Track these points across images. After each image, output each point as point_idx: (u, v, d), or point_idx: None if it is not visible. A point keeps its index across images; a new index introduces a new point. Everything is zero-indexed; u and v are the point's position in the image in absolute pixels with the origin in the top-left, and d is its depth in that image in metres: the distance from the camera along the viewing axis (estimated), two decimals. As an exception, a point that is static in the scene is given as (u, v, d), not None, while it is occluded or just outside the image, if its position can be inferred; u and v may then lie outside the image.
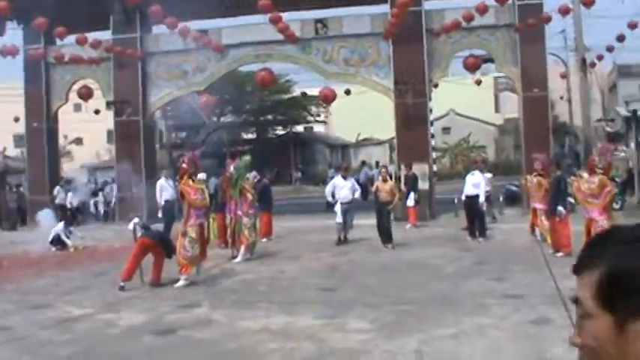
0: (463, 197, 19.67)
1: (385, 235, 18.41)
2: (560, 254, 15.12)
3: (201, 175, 17.10)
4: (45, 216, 23.25)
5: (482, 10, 22.29)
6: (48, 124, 31.32)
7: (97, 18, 29.40)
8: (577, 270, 1.41)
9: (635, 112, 27.89)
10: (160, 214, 21.86)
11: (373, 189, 19.66)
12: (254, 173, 19.79)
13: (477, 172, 19.68)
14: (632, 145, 29.01)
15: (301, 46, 27.96)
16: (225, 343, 9.08)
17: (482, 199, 18.88)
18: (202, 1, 26.36)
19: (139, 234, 14.07)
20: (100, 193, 32.50)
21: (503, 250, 16.84)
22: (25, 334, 10.03)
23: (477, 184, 19.07)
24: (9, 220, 30.55)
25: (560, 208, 15.66)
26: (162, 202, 21.71)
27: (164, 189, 21.71)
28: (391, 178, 22.77)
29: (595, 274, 1.35)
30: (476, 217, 19.12)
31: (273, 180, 22.51)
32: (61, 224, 21.36)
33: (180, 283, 13.42)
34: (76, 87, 31.25)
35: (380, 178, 19.89)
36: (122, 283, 13.11)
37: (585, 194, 13.57)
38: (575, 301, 1.40)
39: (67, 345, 9.37)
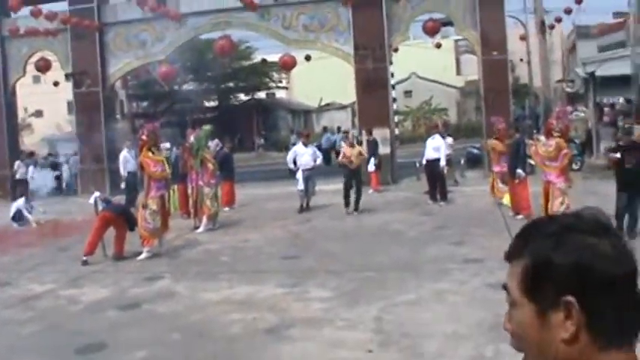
0: (424, 161, 19.76)
1: (355, 201, 18.53)
2: (520, 217, 15.29)
3: (166, 145, 17.01)
4: None
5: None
6: (6, 97, 30.88)
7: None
8: (508, 258, 1.47)
9: (592, 73, 28.10)
10: (122, 186, 21.74)
11: (340, 156, 19.55)
12: (216, 141, 19.75)
13: (437, 136, 19.75)
14: (591, 105, 29.27)
15: (260, 13, 27.73)
16: (188, 316, 9.12)
17: (442, 162, 19.00)
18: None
19: (100, 208, 14.01)
20: (66, 165, 32.13)
21: (464, 214, 17.00)
22: (-14, 312, 10.01)
23: (437, 147, 19.17)
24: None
25: (519, 170, 15.83)
26: (125, 174, 21.58)
27: (127, 160, 21.59)
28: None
29: (520, 264, 1.41)
30: (437, 181, 19.25)
31: (234, 148, 22.41)
32: (22, 199, 21.15)
33: (143, 255, 13.43)
34: (33, 59, 30.85)
35: (346, 143, 19.87)
36: (85, 258, 13.09)
37: (543, 157, 13.68)
38: (505, 288, 1.45)
39: (30, 323, 9.36)
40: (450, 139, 23.21)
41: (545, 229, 1.42)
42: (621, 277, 1.34)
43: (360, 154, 19.29)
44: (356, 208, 18.40)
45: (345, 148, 19.51)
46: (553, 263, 1.35)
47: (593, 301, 1.33)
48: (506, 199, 16.77)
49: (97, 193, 14.68)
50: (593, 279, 1.33)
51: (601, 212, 1.45)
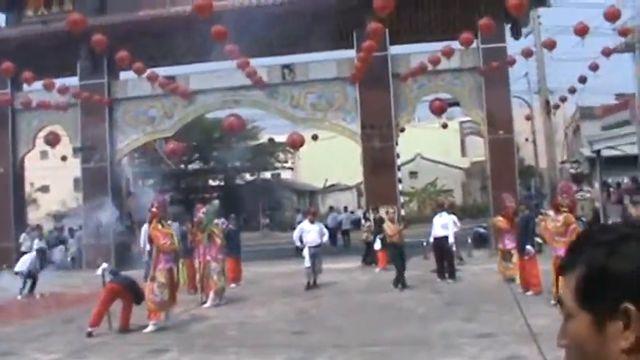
0: (431, 239, 19.71)
1: (400, 276, 18.22)
2: (529, 293, 15.22)
3: (174, 225, 16.98)
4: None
5: (448, 53, 22.56)
6: (14, 170, 31.07)
7: (64, 64, 29.41)
8: (562, 270, 1.44)
9: (598, 151, 28.25)
10: (145, 259, 21.54)
11: (388, 232, 19.39)
12: (222, 220, 19.72)
13: (444, 214, 19.78)
14: (597, 185, 29.32)
15: (268, 91, 28.11)
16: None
17: (451, 239, 18.96)
18: (169, 47, 26.50)
19: (107, 279, 13.93)
20: (70, 240, 32.11)
21: (473, 291, 16.86)
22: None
23: (445, 225, 19.17)
24: (-27, 268, 30.12)
25: (528, 247, 15.79)
26: (148, 247, 21.50)
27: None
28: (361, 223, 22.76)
29: (574, 275, 1.38)
30: (445, 258, 19.16)
31: (239, 226, 22.35)
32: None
33: (149, 328, 13.28)
34: (42, 133, 31.13)
35: (388, 220, 19.80)
36: (90, 329, 12.93)
37: (552, 232, 13.66)
38: (559, 301, 1.43)
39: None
40: (454, 218, 23.21)
41: (600, 238, 1.39)
42: None
43: (402, 229, 19.32)
44: (403, 285, 18.03)
45: (388, 225, 19.45)
46: (609, 270, 1.32)
47: None
48: (517, 277, 16.64)
49: (104, 265, 14.63)
50: None
51: None
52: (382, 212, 23.36)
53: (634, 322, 1.28)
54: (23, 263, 21.08)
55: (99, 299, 13.44)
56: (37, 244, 28.31)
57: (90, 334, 12.87)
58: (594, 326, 1.33)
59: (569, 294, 1.39)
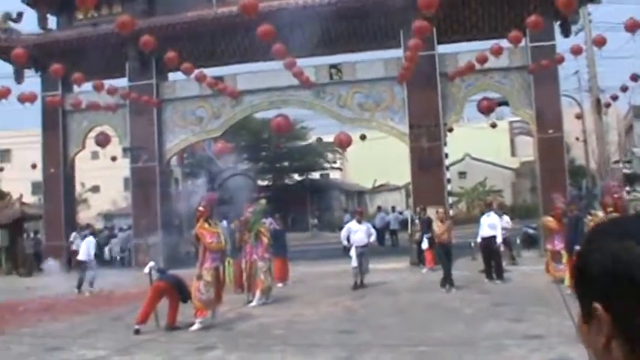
0: (479, 239, 19.51)
1: (447, 276, 18.01)
2: (578, 294, 14.94)
3: (222, 223, 17.03)
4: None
5: (496, 51, 22.34)
6: (65, 170, 31.54)
7: (113, 65, 29.74)
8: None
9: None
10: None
11: (437, 232, 19.04)
12: (269, 219, 19.74)
13: (492, 214, 19.57)
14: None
15: (316, 91, 28.12)
16: (240, 385, 8.99)
17: (499, 239, 18.75)
18: (216, 48, 26.63)
19: (154, 278, 14.03)
20: (115, 239, 32.54)
21: (521, 292, 16.67)
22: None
23: (493, 225, 18.95)
24: (25, 266, 30.63)
25: (577, 247, 15.51)
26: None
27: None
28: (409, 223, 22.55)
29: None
30: (493, 259, 18.96)
31: (285, 226, 22.34)
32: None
33: (196, 326, 13.34)
34: (92, 134, 31.55)
35: (438, 219, 19.28)
36: (137, 327, 13.05)
37: (601, 233, 13.43)
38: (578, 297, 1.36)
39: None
40: (506, 218, 23.02)
41: (589, 236, 1.32)
42: None
43: (449, 229, 18.93)
44: (451, 284, 17.82)
45: (436, 224, 19.18)
46: (586, 269, 1.26)
47: (622, 308, 1.18)
48: (567, 279, 16.38)
49: (151, 263, 14.70)
50: (619, 284, 1.21)
51: None
52: (431, 212, 23.20)
53: (602, 324, 1.21)
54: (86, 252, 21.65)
55: (146, 297, 13.55)
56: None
57: (137, 332, 12.98)
58: (584, 325, 1.27)
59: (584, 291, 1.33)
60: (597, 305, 1.21)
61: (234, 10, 23.36)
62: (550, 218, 17.75)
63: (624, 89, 27.85)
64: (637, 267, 1.18)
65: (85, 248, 21.82)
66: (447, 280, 17.89)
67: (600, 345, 1.21)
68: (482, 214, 20.52)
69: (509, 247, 22.88)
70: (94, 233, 24.26)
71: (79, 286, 21.32)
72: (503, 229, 21.92)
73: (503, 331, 11.68)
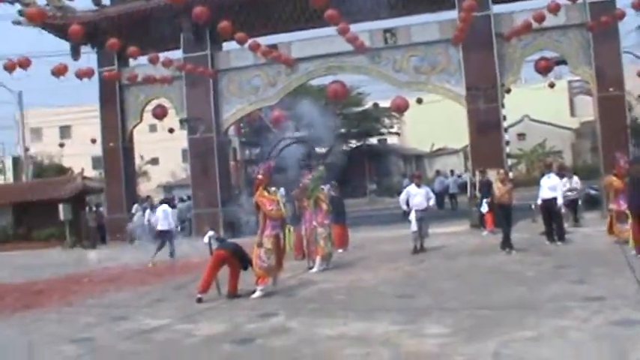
0: (539, 201, 19.30)
1: (507, 239, 17.84)
2: (643, 255, 14.74)
3: (281, 191, 17.07)
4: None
5: (554, 8, 21.98)
6: (124, 143, 32.03)
7: (168, 37, 29.95)
8: None
9: None
10: None
11: (497, 193, 18.58)
12: (328, 186, 19.78)
13: (552, 175, 19.35)
14: None
15: (371, 56, 27.99)
16: (301, 350, 9.04)
17: (560, 201, 18.53)
18: (269, 16, 26.59)
19: (214, 247, 14.17)
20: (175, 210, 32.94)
21: (583, 254, 16.47)
22: (106, 344, 10.21)
23: (553, 186, 18.73)
24: (89, 239, 31.25)
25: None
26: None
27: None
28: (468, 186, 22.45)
29: None
30: (554, 220, 18.76)
31: (341, 193, 22.23)
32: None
33: (257, 293, 13.45)
34: (149, 107, 31.89)
35: (498, 181, 18.83)
36: (199, 295, 13.22)
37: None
38: None
39: (147, 354, 9.50)
40: (576, 179, 22.86)
41: None
42: None
43: (510, 191, 18.49)
44: (510, 247, 17.65)
45: (497, 186, 18.70)
46: None
47: None
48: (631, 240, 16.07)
49: (210, 232, 14.84)
50: None
51: None
52: (492, 174, 22.95)
53: None
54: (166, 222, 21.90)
55: (207, 266, 13.71)
56: (147, 214, 29.24)
57: (199, 300, 13.15)
58: None
59: None
60: None
61: (286, -23, 23.32)
62: (614, 177, 17.45)
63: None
64: None
65: (165, 218, 21.91)
66: (507, 243, 17.76)
67: None
68: (542, 175, 20.28)
69: (574, 209, 22.68)
70: (169, 202, 24.15)
71: (155, 254, 21.51)
72: (574, 189, 21.93)
73: (565, 294, 11.56)
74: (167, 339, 10.37)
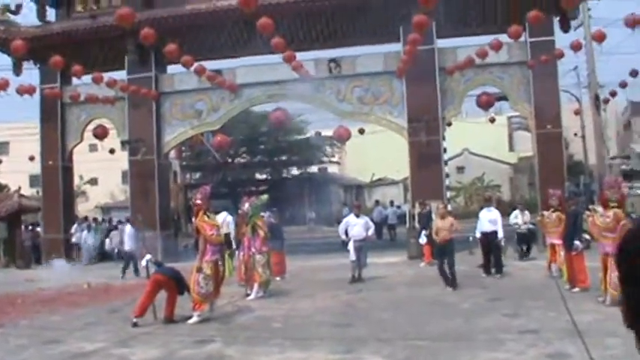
0: (478, 234, 19.52)
1: (451, 277, 17.08)
2: (576, 289, 15.04)
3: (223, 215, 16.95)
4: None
5: (496, 46, 22.35)
6: (63, 163, 31.53)
7: (112, 58, 29.72)
8: None
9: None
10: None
11: (434, 229, 17.99)
12: (268, 213, 19.74)
13: (493, 209, 19.63)
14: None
15: (315, 85, 28.06)
16: (238, 378, 9.01)
17: (500, 234, 18.77)
18: (215, 41, 26.54)
19: (151, 271, 14.04)
20: (113, 232, 32.56)
21: (518, 287, 16.70)
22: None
23: (494, 220, 19.01)
24: (23, 259, 30.68)
25: (576, 242, 15.53)
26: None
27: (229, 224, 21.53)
28: (407, 217, 22.52)
29: None
30: (492, 253, 18.98)
31: (280, 220, 22.22)
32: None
33: (194, 319, 13.35)
34: (91, 127, 31.54)
35: (437, 215, 18.35)
36: (135, 319, 13.06)
37: (600, 228, 13.44)
38: None
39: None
40: (527, 213, 23.20)
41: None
42: None
43: (451, 226, 17.60)
44: (453, 284, 16.91)
45: (436, 221, 18.17)
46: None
47: None
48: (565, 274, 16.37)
49: (148, 256, 14.72)
50: None
51: None
52: (434, 206, 22.97)
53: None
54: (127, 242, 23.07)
55: (144, 290, 13.57)
56: (84, 235, 29.03)
57: (135, 324, 13.00)
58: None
59: None
60: None
61: (233, 3, 23.30)
62: (546, 213, 17.84)
63: (623, 85, 27.87)
64: None
65: (130, 238, 22.98)
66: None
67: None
68: (482, 208, 20.54)
69: (527, 242, 23.02)
70: (132, 223, 24.93)
71: (124, 272, 22.57)
72: (526, 223, 22.24)
73: (500, 326, 11.71)
74: (101, 364, 10.23)
